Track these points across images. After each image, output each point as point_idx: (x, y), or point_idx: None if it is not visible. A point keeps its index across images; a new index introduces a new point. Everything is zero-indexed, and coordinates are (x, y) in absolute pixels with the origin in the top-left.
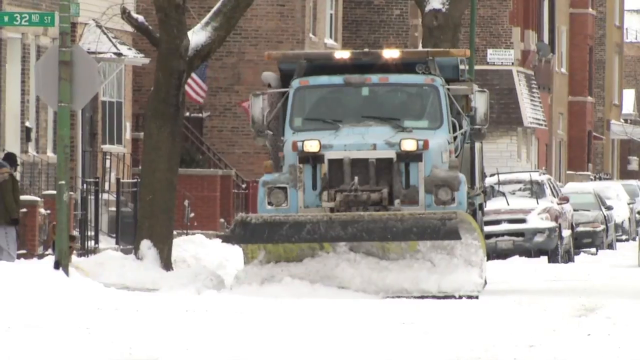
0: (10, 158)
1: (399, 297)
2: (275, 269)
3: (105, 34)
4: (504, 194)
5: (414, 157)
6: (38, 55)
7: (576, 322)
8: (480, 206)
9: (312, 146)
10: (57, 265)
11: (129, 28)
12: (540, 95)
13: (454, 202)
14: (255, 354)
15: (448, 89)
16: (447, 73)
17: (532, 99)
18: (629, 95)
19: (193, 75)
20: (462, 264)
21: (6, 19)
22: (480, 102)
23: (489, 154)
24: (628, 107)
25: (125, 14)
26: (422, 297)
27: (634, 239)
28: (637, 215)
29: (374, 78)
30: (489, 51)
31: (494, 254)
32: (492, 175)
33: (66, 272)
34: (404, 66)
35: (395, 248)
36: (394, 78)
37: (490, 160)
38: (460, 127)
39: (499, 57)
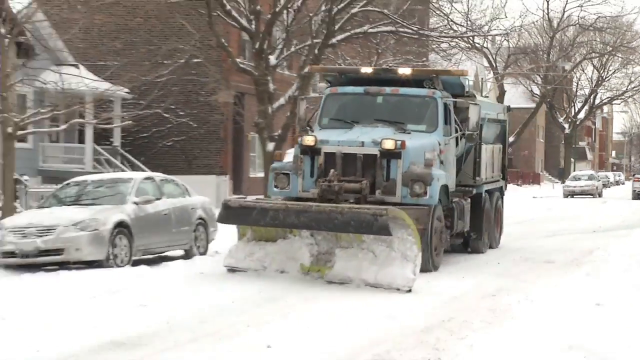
0: None
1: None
2: (255, 247)
3: None
4: None
5: (394, 154)
6: None
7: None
8: (491, 191)
9: (309, 141)
10: None
11: None
12: None
13: (427, 195)
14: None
15: (454, 102)
16: (455, 89)
17: None
18: None
19: None
20: (399, 258)
21: None
22: (472, 113)
23: None
24: None
25: None
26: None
27: None
28: None
29: (387, 89)
30: None
31: None
32: None
33: None
34: (415, 82)
35: (345, 237)
36: (403, 90)
37: None
38: (456, 132)
39: None
